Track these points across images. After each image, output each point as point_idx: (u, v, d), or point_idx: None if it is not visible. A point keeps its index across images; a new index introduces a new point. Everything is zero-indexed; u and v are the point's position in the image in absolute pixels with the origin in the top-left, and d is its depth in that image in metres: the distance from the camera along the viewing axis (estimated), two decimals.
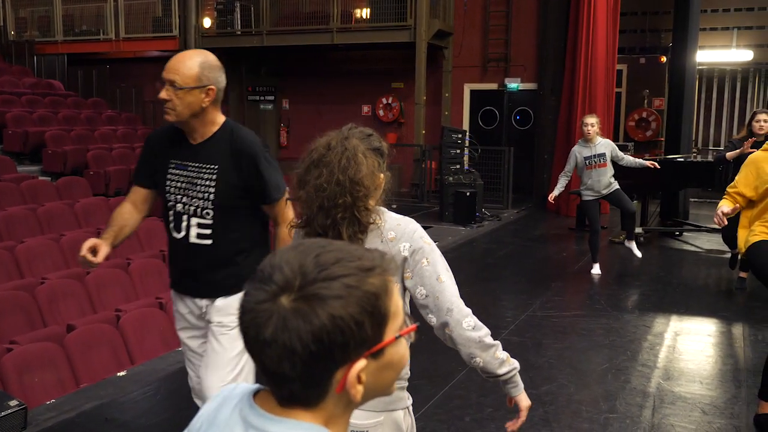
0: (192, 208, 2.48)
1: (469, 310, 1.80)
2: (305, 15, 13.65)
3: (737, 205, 3.63)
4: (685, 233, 9.56)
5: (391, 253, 1.82)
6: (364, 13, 13.53)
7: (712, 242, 8.82)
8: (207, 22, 14.15)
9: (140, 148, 12.83)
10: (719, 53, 12.74)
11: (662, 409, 3.88)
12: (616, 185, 6.91)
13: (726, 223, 3.60)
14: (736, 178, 3.65)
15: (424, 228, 1.90)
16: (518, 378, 1.83)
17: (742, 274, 6.58)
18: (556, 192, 6.98)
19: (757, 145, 5.86)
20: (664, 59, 12.75)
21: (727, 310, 5.99)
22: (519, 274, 7.33)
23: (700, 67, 12.18)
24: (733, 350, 4.98)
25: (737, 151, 6.54)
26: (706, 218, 9.90)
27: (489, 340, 1.79)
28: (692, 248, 8.78)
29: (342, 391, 0.82)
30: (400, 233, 1.83)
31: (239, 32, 13.80)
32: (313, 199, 1.79)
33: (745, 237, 3.58)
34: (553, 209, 10.99)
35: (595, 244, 7.10)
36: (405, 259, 1.82)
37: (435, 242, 1.89)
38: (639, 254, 7.17)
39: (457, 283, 1.83)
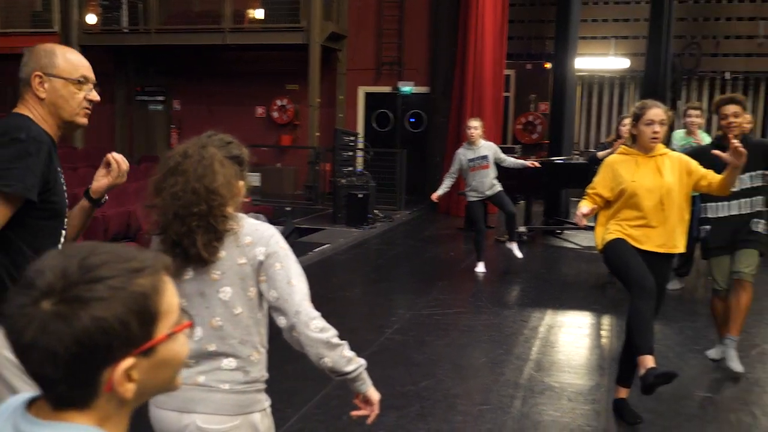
0: None
1: (317, 313, 1.84)
2: (196, 14, 13.36)
3: (595, 205, 3.87)
4: (565, 231, 10.06)
5: (248, 257, 1.85)
6: (258, 13, 13.40)
7: (590, 239, 9.23)
8: (91, 19, 13.58)
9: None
10: (599, 60, 13.47)
11: (532, 399, 4.09)
12: (498, 187, 7.19)
13: (585, 223, 3.83)
14: (594, 179, 3.89)
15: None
16: (366, 374, 1.91)
17: None
18: (440, 191, 7.19)
19: None
20: (548, 65, 13.35)
21: (598, 303, 6.37)
22: (408, 274, 7.49)
23: (581, 74, 12.85)
24: (600, 341, 5.31)
25: (608, 150, 6.97)
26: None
27: (336, 340, 1.85)
28: (572, 245, 9.27)
29: (111, 390, 0.84)
30: (257, 238, 1.86)
31: (126, 30, 13.35)
32: (169, 207, 1.80)
33: (602, 235, 3.82)
34: (443, 210, 11.31)
35: (480, 244, 7.36)
36: (260, 263, 1.86)
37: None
38: (520, 255, 7.46)
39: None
